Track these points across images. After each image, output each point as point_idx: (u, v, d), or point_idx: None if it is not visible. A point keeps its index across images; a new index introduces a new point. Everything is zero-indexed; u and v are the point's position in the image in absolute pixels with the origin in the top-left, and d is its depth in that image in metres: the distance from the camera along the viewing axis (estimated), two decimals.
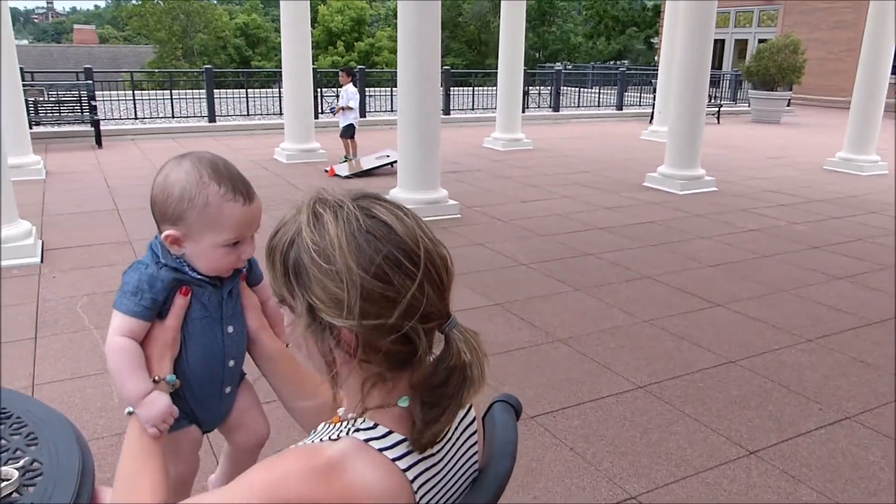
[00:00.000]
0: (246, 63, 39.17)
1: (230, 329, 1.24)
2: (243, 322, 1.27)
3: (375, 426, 0.91)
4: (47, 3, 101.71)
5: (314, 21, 35.47)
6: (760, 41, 20.81)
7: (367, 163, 8.88)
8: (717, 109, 16.28)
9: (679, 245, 5.77)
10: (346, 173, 8.68)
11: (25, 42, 60.74)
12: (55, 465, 1.24)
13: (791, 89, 17.45)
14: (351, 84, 9.70)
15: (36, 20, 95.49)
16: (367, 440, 0.89)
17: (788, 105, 17.43)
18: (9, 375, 3.25)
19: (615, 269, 5.09)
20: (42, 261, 5.02)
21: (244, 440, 1.38)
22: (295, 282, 0.88)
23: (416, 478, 0.89)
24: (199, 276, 1.19)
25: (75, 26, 69.32)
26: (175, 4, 36.04)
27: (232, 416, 1.34)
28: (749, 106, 17.61)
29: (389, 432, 0.90)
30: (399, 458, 0.88)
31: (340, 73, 10.06)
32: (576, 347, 3.71)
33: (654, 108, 13.84)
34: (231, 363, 1.27)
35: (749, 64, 17.26)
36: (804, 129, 15.57)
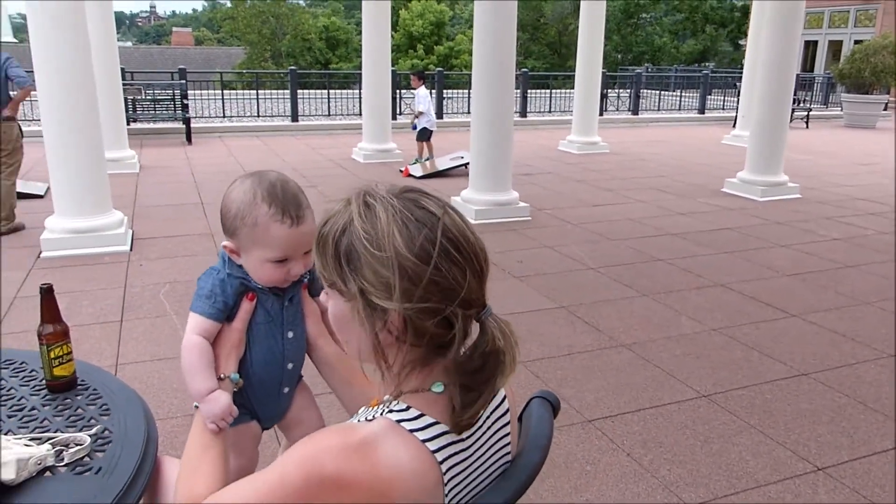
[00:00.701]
0: (327, 65, 40.22)
1: (290, 334, 1.33)
2: (303, 328, 1.35)
3: (408, 408, 0.95)
4: (150, 6, 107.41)
5: (395, 25, 36.05)
6: (856, 42, 19.75)
7: (441, 164, 8.97)
8: (805, 113, 15.57)
9: (755, 253, 5.57)
10: (420, 174, 8.80)
11: (129, 44, 64.35)
12: (123, 434, 1.35)
13: (889, 92, 16.50)
14: (423, 87, 9.71)
15: (140, 23, 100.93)
16: (399, 421, 0.93)
17: (885, 109, 16.48)
18: (96, 354, 3.48)
19: (686, 275, 4.97)
20: (131, 249, 5.34)
21: (301, 436, 1.46)
22: (347, 267, 0.93)
23: (445, 460, 0.93)
24: (259, 285, 1.27)
25: (174, 29, 72.97)
26: (265, 8, 37.34)
27: (290, 414, 1.43)
28: (841, 110, 16.77)
29: (421, 415, 0.94)
30: (429, 440, 0.92)
31: (412, 77, 10.06)
32: (639, 353, 3.66)
33: (737, 112, 13.37)
34: (290, 366, 1.35)
35: (842, 66, 16.44)
36: None
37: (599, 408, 3.08)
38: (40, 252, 5.13)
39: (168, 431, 2.79)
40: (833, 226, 6.51)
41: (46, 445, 1.26)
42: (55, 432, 1.33)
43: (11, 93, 5.46)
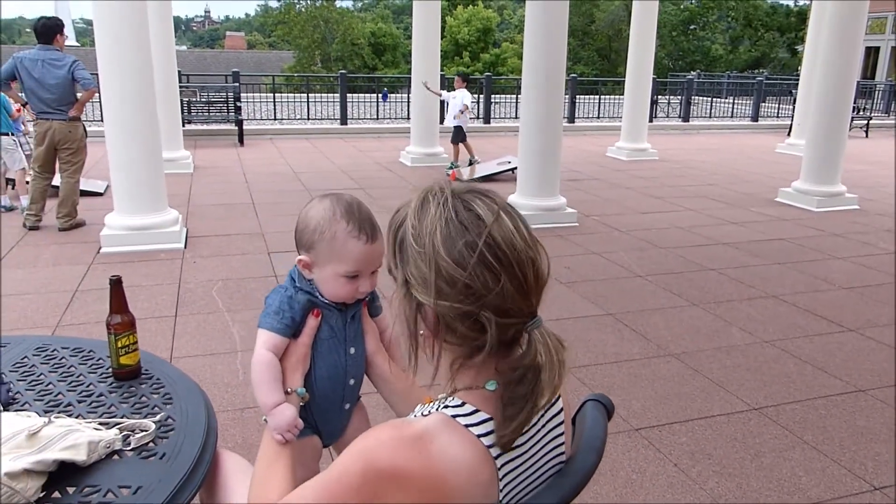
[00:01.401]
0: (373, 70, 40.70)
1: (352, 350, 1.38)
2: (363, 345, 1.40)
3: (463, 404, 0.96)
4: (205, 11, 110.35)
5: (442, 31, 36.21)
6: None
7: (488, 168, 8.98)
8: (865, 122, 15.09)
9: (810, 265, 5.42)
10: (466, 177, 8.82)
11: (184, 48, 66.22)
12: (186, 422, 1.40)
13: None
14: (465, 89, 9.51)
15: (195, 28, 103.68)
16: (454, 416, 0.95)
17: None
18: (152, 347, 3.58)
19: (737, 286, 4.87)
20: (185, 246, 5.49)
21: None
22: (399, 257, 0.99)
23: (499, 455, 0.94)
24: (326, 301, 1.33)
25: (227, 33, 74.74)
26: (316, 13, 37.95)
27: (347, 434, 1.46)
28: None
29: (476, 410, 0.95)
30: (484, 435, 0.94)
31: (457, 79, 9.89)
32: (688, 363, 3.60)
33: (792, 120, 13.04)
34: (351, 381, 1.40)
35: None
36: None
37: (647, 417, 3.04)
38: (100, 248, 5.31)
39: (219, 424, 2.85)
40: (893, 238, 6.29)
41: (115, 430, 1.32)
42: (122, 418, 1.39)
43: (77, 94, 5.68)
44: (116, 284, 1.54)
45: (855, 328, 4.12)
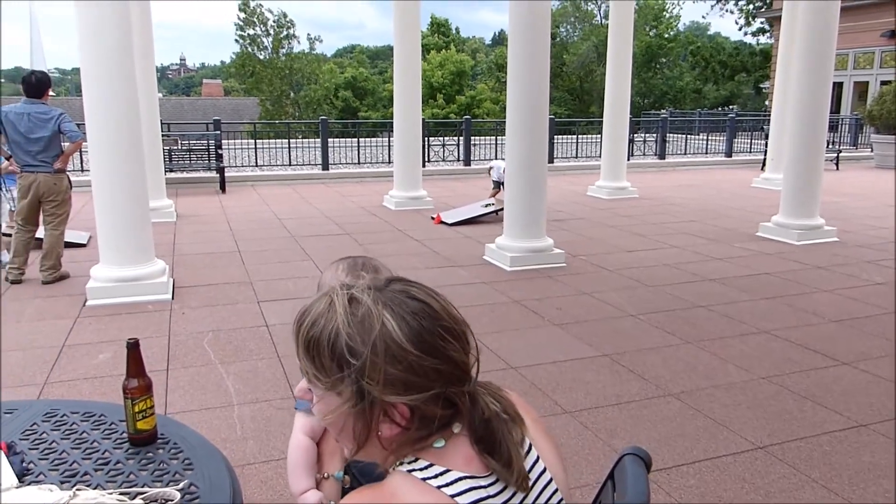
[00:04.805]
0: (353, 113, 41.15)
1: None
2: None
3: (416, 460, 0.96)
4: (180, 59, 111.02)
5: None
6: (883, 83, 19.72)
7: (473, 210, 9.03)
8: (836, 155, 15.49)
9: (798, 298, 5.49)
10: (451, 221, 8.85)
11: (160, 95, 66.37)
12: (209, 489, 1.36)
13: None
14: None
15: (170, 76, 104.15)
16: (409, 471, 0.95)
17: None
18: None
19: (728, 322, 4.91)
20: (173, 297, 5.41)
21: None
22: (344, 368, 0.92)
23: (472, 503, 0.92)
24: None
25: (204, 80, 75.13)
26: (282, 64, 38.28)
27: None
28: (871, 151, 16.66)
29: (430, 465, 0.95)
30: (446, 486, 0.92)
31: None
32: (688, 402, 3.60)
33: (765, 155, 13.34)
34: None
35: (871, 107, 16.40)
36: None
37: (654, 460, 2.99)
38: (86, 300, 5.22)
39: None
40: (875, 269, 6.41)
41: (138, 500, 1.28)
42: (143, 487, 1.35)
43: (63, 146, 5.64)
44: (134, 348, 1.51)
45: (849, 361, 4.15)
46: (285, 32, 38.27)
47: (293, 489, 1.23)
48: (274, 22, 38.07)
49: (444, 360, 0.93)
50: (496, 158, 12.45)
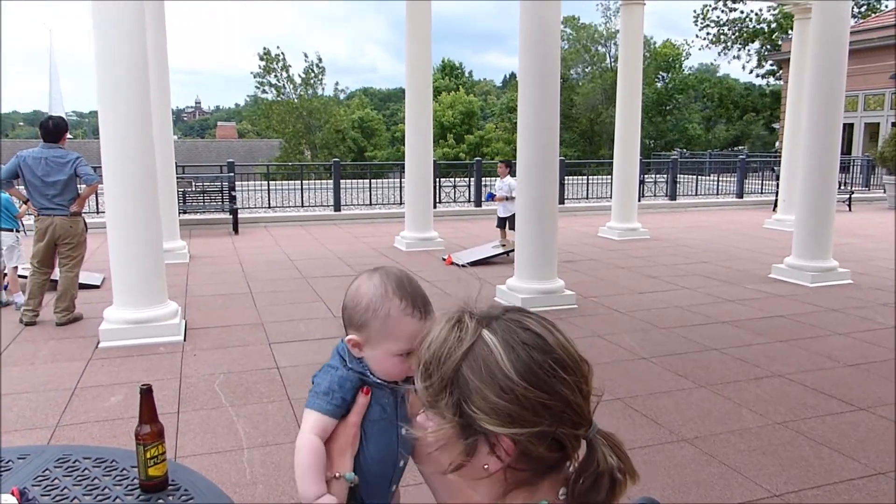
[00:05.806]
0: (361, 153, 41.81)
1: (404, 430, 1.32)
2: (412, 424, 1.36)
3: None
4: (196, 102, 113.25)
5: None
6: (894, 124, 19.77)
7: (484, 251, 9.07)
8: (847, 196, 15.47)
9: (812, 342, 5.44)
10: (462, 262, 8.88)
11: (176, 138, 67.61)
12: None
13: None
14: (509, 175, 9.49)
15: (185, 118, 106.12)
16: None
17: None
18: None
19: (742, 365, 4.86)
20: (185, 339, 5.44)
21: None
22: (456, 393, 0.92)
23: None
24: (378, 380, 1.29)
25: (219, 123, 76.55)
26: (298, 105, 38.96)
27: None
28: (884, 192, 16.63)
29: None
30: None
31: (500, 165, 10.02)
32: (703, 448, 3.55)
33: (776, 196, 13.35)
34: (401, 463, 1.35)
35: (882, 148, 16.43)
36: None
37: None
38: (98, 342, 5.25)
39: None
40: (889, 313, 6.34)
41: None
42: None
43: (79, 189, 5.75)
44: (147, 394, 1.52)
45: (865, 407, 4.09)
46: (314, 76, 39.03)
47: (305, 494, 1.19)
48: (307, 63, 38.72)
49: (553, 396, 0.89)
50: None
